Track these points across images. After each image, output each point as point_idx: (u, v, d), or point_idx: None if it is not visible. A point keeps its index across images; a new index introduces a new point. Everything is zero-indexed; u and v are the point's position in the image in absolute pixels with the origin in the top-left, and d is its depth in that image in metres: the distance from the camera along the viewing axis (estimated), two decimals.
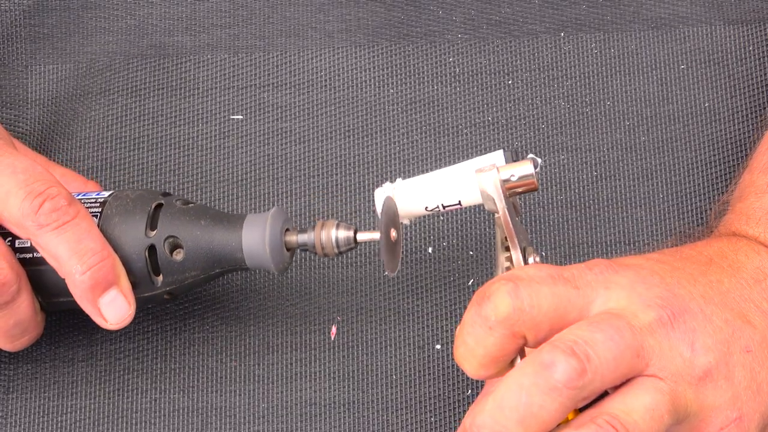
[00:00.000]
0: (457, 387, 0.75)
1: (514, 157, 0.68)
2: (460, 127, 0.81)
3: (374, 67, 0.83)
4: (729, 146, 0.80)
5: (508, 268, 0.64)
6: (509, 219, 0.64)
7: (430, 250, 0.78)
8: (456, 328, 0.76)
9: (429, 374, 0.76)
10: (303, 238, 0.69)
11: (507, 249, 0.65)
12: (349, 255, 0.78)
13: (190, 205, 0.70)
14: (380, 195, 0.69)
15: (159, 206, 0.70)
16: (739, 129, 0.81)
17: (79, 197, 0.71)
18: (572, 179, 0.80)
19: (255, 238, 0.68)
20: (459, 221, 0.79)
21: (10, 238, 0.70)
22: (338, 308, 0.77)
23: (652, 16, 0.84)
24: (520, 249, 0.64)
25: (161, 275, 0.70)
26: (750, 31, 0.83)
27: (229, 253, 0.69)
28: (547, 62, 0.83)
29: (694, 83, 0.82)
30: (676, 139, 0.80)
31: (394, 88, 0.82)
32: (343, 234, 0.69)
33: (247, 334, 0.76)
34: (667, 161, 0.80)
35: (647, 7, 0.84)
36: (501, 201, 0.64)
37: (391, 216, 0.68)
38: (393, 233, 0.68)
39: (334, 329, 0.77)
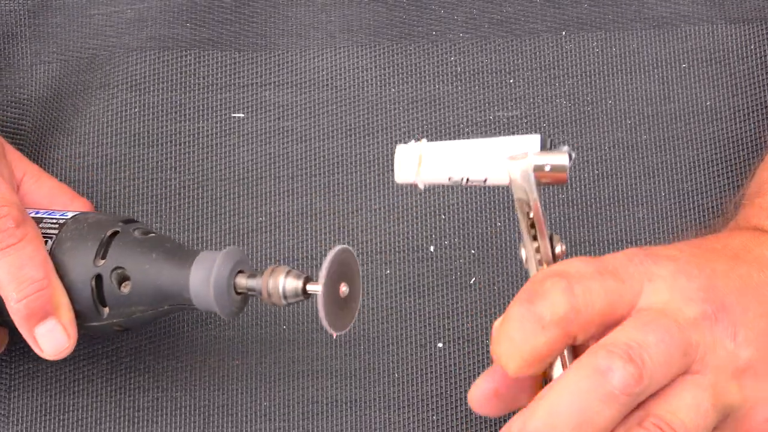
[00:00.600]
0: (459, 385, 0.75)
1: (547, 145, 0.64)
2: (462, 126, 0.81)
3: (376, 66, 0.83)
4: (730, 145, 0.80)
5: (539, 261, 0.63)
6: (540, 210, 0.62)
7: (432, 248, 0.78)
8: (457, 327, 0.76)
9: (431, 372, 0.76)
10: (252, 282, 0.65)
11: (534, 238, 0.63)
12: None
13: (150, 235, 0.68)
14: (402, 154, 0.63)
15: (114, 234, 0.67)
16: (740, 127, 0.81)
17: (41, 216, 0.70)
18: (573, 178, 0.80)
19: (202, 278, 0.64)
20: (461, 220, 0.79)
21: None
22: None
23: (654, 15, 0.84)
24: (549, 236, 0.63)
25: (107, 307, 0.67)
26: (752, 29, 0.83)
27: (177, 292, 0.65)
28: (549, 61, 0.83)
29: (695, 82, 0.82)
30: (678, 138, 0.80)
31: (396, 87, 0.82)
32: (292, 284, 0.64)
33: (249, 332, 0.76)
34: (669, 160, 0.80)
35: (649, 6, 0.84)
36: (533, 192, 0.61)
37: (344, 269, 0.64)
38: (343, 288, 0.64)
39: None
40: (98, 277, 0.67)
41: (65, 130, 0.82)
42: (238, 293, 0.65)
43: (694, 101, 0.81)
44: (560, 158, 0.61)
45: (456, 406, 0.75)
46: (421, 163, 0.63)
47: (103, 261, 0.67)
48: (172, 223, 0.79)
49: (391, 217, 0.79)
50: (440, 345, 0.76)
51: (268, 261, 0.78)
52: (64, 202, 0.75)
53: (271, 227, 0.79)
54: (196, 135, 0.81)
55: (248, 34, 0.84)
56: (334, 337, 0.65)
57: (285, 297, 0.64)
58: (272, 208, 0.79)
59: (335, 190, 0.80)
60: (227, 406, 0.75)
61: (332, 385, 0.75)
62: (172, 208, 0.79)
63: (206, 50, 0.84)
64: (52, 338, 0.67)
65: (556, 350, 0.60)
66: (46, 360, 0.76)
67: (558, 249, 0.63)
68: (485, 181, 0.64)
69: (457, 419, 0.75)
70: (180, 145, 0.81)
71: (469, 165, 0.64)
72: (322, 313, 0.62)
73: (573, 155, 0.62)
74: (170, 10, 0.85)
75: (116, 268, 0.66)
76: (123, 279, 0.67)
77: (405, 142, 0.64)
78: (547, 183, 0.62)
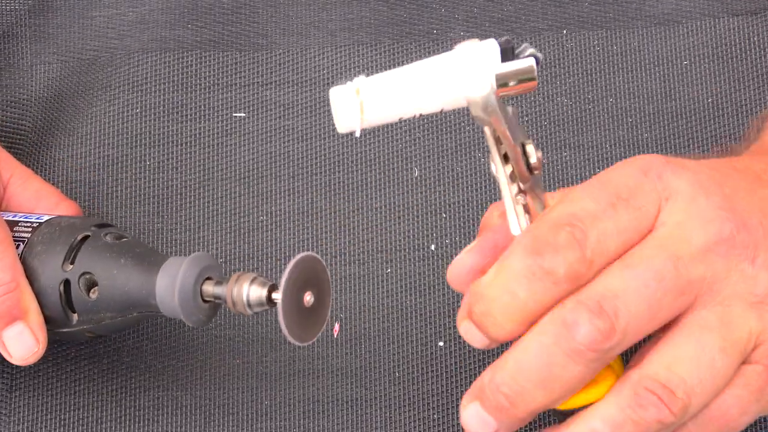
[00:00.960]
0: (460, 384, 0.75)
1: (509, 51, 0.55)
2: (463, 124, 0.81)
3: (377, 65, 0.83)
4: (733, 140, 0.80)
5: (512, 176, 0.56)
6: (507, 132, 0.55)
7: (432, 247, 0.78)
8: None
9: (432, 371, 0.75)
10: (216, 290, 0.63)
11: (506, 159, 0.56)
12: (352, 252, 0.78)
13: (123, 239, 0.67)
14: (339, 97, 0.56)
15: (85, 238, 0.67)
16: (742, 124, 0.81)
17: (17, 219, 0.69)
18: (575, 176, 0.80)
19: (167, 285, 0.63)
20: (462, 218, 0.79)
21: None
22: (341, 306, 0.77)
23: (655, 13, 0.83)
24: (520, 146, 0.56)
25: (76, 313, 0.67)
26: (755, 21, 0.83)
27: (143, 299, 0.64)
28: (550, 59, 0.83)
29: (697, 79, 0.82)
30: (679, 136, 0.80)
31: None
32: (256, 292, 0.62)
33: (250, 331, 0.76)
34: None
35: (650, 4, 0.84)
36: (499, 116, 0.54)
37: (310, 276, 0.61)
38: (307, 297, 0.61)
39: (336, 327, 0.77)
40: (66, 282, 0.66)
41: (66, 131, 0.82)
42: (205, 301, 0.64)
43: (695, 99, 0.81)
44: (525, 66, 0.54)
45: (457, 405, 0.75)
46: (363, 105, 0.56)
47: (71, 266, 0.66)
48: (173, 223, 0.79)
49: (392, 215, 0.79)
50: (441, 344, 0.76)
51: (269, 260, 0.78)
52: (49, 205, 0.74)
53: (272, 226, 0.79)
54: (197, 135, 0.82)
55: (249, 34, 0.84)
56: (299, 345, 0.62)
57: (249, 306, 0.62)
58: (273, 207, 0.79)
59: (336, 189, 0.80)
60: (228, 405, 0.75)
61: (333, 384, 0.75)
62: (174, 208, 0.80)
63: (207, 51, 0.84)
64: (20, 342, 0.67)
65: (555, 304, 0.56)
66: (48, 359, 0.76)
67: (533, 159, 0.56)
68: (441, 111, 0.57)
69: (458, 418, 0.74)
70: (181, 145, 0.81)
71: (419, 96, 0.56)
72: (283, 323, 0.60)
73: (540, 57, 0.56)
74: (171, 11, 0.85)
75: (84, 273, 0.66)
76: (91, 285, 0.66)
77: (342, 83, 0.58)
78: (516, 94, 0.56)
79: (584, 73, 0.82)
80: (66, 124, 0.82)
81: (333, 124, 0.81)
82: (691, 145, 0.80)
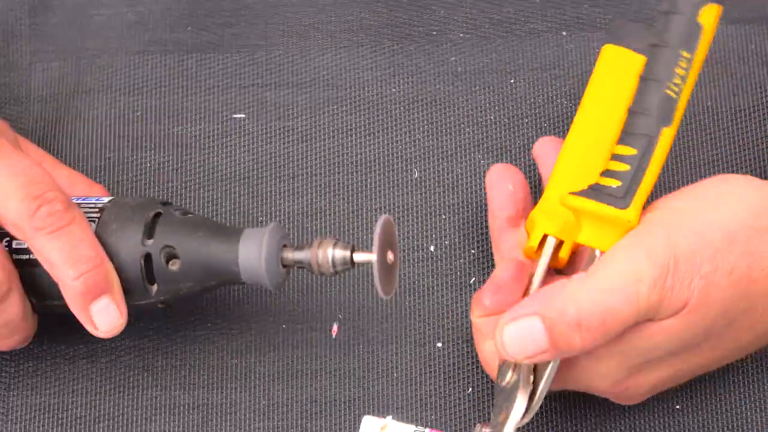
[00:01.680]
0: (457, 385, 0.75)
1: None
2: (463, 126, 0.81)
3: (376, 67, 0.83)
4: (731, 145, 0.80)
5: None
6: None
7: (431, 248, 0.78)
8: (457, 326, 0.76)
9: (430, 372, 0.75)
10: (299, 255, 0.68)
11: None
12: None
13: (189, 215, 0.70)
14: (367, 424, 0.69)
15: (157, 215, 0.69)
16: (741, 128, 0.81)
17: (78, 202, 0.71)
18: None
19: (252, 252, 0.67)
20: (461, 220, 0.79)
21: (8, 239, 0.70)
22: (339, 306, 0.77)
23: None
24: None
25: (156, 284, 0.69)
26: (752, 30, 0.83)
27: (225, 267, 0.68)
28: (550, 61, 0.83)
29: (695, 83, 0.82)
30: (678, 139, 0.80)
31: (397, 88, 0.82)
32: (340, 253, 0.67)
33: (248, 331, 0.76)
34: (669, 161, 0.80)
35: (649, 6, 0.84)
36: None
37: (389, 238, 0.67)
38: (390, 256, 0.67)
39: (335, 327, 0.77)
40: (147, 257, 0.69)
41: (67, 133, 0.82)
42: (284, 266, 0.68)
43: (694, 102, 0.81)
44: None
45: (455, 406, 0.75)
46: None
47: (151, 240, 0.69)
48: None
49: (392, 216, 0.79)
50: (439, 345, 0.76)
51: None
52: (84, 189, 0.76)
53: None
54: (197, 136, 0.82)
55: (249, 36, 0.84)
56: (386, 298, 0.67)
57: (334, 265, 0.67)
58: (273, 208, 0.80)
59: (336, 190, 0.80)
60: (226, 405, 0.75)
61: (331, 385, 0.75)
62: None
63: (207, 53, 0.84)
64: (107, 315, 0.68)
65: None
66: (45, 359, 0.76)
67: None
68: None
69: (455, 418, 0.74)
70: (181, 146, 0.81)
71: None
72: (378, 280, 0.65)
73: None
74: (171, 14, 0.85)
75: (165, 246, 0.68)
76: (171, 257, 0.69)
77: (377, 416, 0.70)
78: None
79: (584, 75, 0.82)
80: (67, 127, 0.82)
81: (332, 125, 0.82)
82: (689, 148, 0.80)
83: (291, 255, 0.68)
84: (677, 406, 0.75)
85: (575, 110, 0.81)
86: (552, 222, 0.69)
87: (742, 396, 0.75)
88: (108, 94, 0.83)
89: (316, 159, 0.81)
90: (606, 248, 0.67)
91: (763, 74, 0.82)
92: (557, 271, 0.71)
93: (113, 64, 0.83)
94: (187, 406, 0.75)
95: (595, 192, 0.67)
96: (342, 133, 0.81)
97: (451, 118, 0.82)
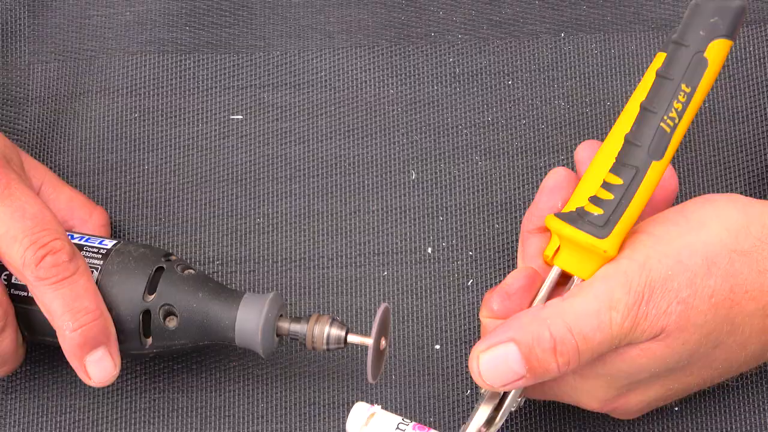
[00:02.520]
0: (456, 387, 0.75)
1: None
2: (460, 127, 0.81)
3: (374, 68, 0.83)
4: (729, 147, 0.80)
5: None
6: None
7: (429, 250, 0.78)
8: (455, 328, 0.76)
9: (428, 374, 0.76)
10: (295, 327, 0.70)
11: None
12: (349, 255, 0.78)
13: (190, 271, 0.71)
14: (356, 410, 0.69)
15: (159, 269, 0.70)
16: (739, 130, 0.81)
17: (82, 243, 0.71)
18: None
19: (250, 321, 0.69)
20: (459, 222, 0.79)
21: (7, 273, 0.70)
22: (337, 308, 0.77)
23: (653, 17, 0.84)
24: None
25: (151, 338, 0.70)
26: (750, 31, 0.83)
27: (221, 330, 0.70)
28: (548, 63, 0.83)
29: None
30: None
31: (395, 89, 0.82)
32: (335, 333, 0.69)
33: None
34: None
35: (648, 8, 0.84)
36: None
37: (385, 325, 0.69)
38: (383, 342, 0.69)
39: None
40: (146, 312, 0.70)
41: (65, 135, 0.82)
42: (278, 335, 0.70)
43: None
44: None
45: (453, 408, 0.75)
46: (368, 425, 0.68)
47: (152, 296, 0.70)
48: (170, 225, 0.79)
49: (389, 218, 0.79)
50: (437, 347, 0.76)
51: (266, 262, 0.78)
52: (83, 214, 0.76)
53: (269, 228, 0.79)
54: (194, 137, 0.81)
55: (247, 36, 0.84)
56: (372, 382, 0.70)
57: (328, 343, 0.69)
58: (270, 209, 0.79)
59: (333, 191, 0.80)
60: (224, 408, 0.75)
61: (329, 387, 0.75)
62: (171, 211, 0.80)
63: (205, 53, 0.84)
64: (101, 367, 0.69)
65: None
66: (44, 362, 0.76)
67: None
68: None
69: (453, 420, 0.75)
70: (179, 148, 0.81)
71: None
72: (370, 364, 0.67)
73: None
74: (170, 13, 0.85)
75: (164, 304, 0.69)
76: (169, 314, 0.70)
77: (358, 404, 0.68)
78: None
79: (582, 76, 0.82)
80: (64, 128, 0.82)
81: (330, 126, 0.82)
82: (687, 150, 0.80)
83: (287, 326, 0.70)
84: (675, 408, 0.75)
85: (573, 111, 0.81)
86: None
87: (739, 398, 0.75)
88: (106, 95, 0.82)
89: (313, 160, 0.81)
90: (581, 274, 0.67)
91: (760, 76, 0.82)
92: None
93: (111, 64, 0.83)
94: (185, 409, 0.75)
95: (577, 217, 0.67)
96: (340, 134, 0.81)
97: (449, 119, 0.82)
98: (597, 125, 0.81)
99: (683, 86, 0.66)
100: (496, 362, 0.65)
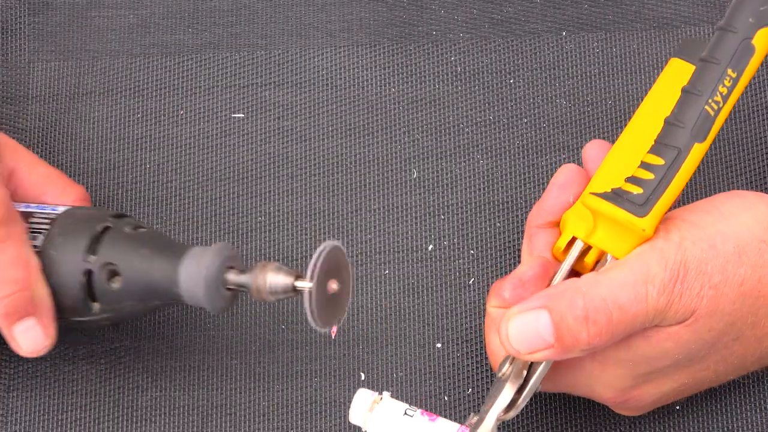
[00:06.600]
0: (457, 385, 0.75)
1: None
2: (462, 125, 0.81)
3: (376, 66, 0.83)
4: (730, 145, 0.80)
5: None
6: None
7: (430, 248, 0.78)
8: (456, 327, 0.76)
9: (429, 373, 0.76)
10: (242, 278, 0.64)
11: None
12: (350, 253, 0.78)
13: (141, 230, 0.68)
14: (360, 397, 0.67)
15: (105, 229, 0.67)
16: (740, 128, 0.81)
17: (31, 210, 0.70)
18: None
19: (192, 274, 0.64)
20: (460, 220, 0.79)
21: None
22: None
23: (654, 16, 0.84)
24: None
25: (97, 302, 0.67)
26: None
27: (166, 287, 0.65)
28: (549, 61, 0.83)
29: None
30: None
31: (396, 87, 0.82)
32: (282, 280, 0.63)
33: (248, 332, 0.76)
34: None
35: (649, 7, 0.84)
36: None
37: (335, 266, 0.63)
38: (333, 285, 0.63)
39: (334, 328, 0.76)
40: (89, 273, 0.67)
41: (68, 135, 0.82)
42: (228, 289, 0.65)
43: None
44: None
45: (454, 406, 0.75)
46: (372, 411, 0.67)
47: (94, 257, 0.67)
48: (172, 223, 0.79)
49: (391, 216, 0.79)
50: (439, 345, 0.76)
51: (267, 260, 0.78)
52: (57, 190, 0.74)
53: (271, 227, 0.79)
54: (196, 136, 0.82)
55: (248, 35, 0.84)
56: (320, 330, 0.65)
57: (274, 293, 0.64)
58: (271, 208, 0.80)
59: (334, 190, 0.80)
60: (225, 406, 0.75)
61: (330, 385, 0.75)
62: (173, 210, 0.80)
63: (207, 54, 0.84)
64: (30, 337, 0.68)
65: None
66: (45, 360, 0.76)
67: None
68: None
69: (455, 419, 0.74)
70: (180, 147, 0.81)
71: None
72: (311, 309, 0.62)
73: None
74: (173, 15, 0.85)
75: (107, 263, 0.66)
76: (113, 274, 0.67)
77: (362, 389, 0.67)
78: None
79: (583, 75, 0.82)
80: (67, 128, 0.82)
81: (331, 125, 0.82)
82: None
83: (234, 278, 0.64)
84: (677, 407, 0.75)
85: (574, 110, 0.81)
86: (582, 225, 0.68)
87: (742, 397, 0.75)
88: (109, 96, 0.83)
89: (315, 158, 0.81)
90: (617, 253, 0.67)
91: (762, 75, 0.82)
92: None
93: (114, 66, 0.83)
94: (186, 407, 0.75)
95: (616, 196, 0.67)
96: (341, 132, 0.81)
97: (451, 117, 0.82)
98: (598, 124, 0.81)
99: (729, 71, 0.67)
100: (526, 327, 0.64)
